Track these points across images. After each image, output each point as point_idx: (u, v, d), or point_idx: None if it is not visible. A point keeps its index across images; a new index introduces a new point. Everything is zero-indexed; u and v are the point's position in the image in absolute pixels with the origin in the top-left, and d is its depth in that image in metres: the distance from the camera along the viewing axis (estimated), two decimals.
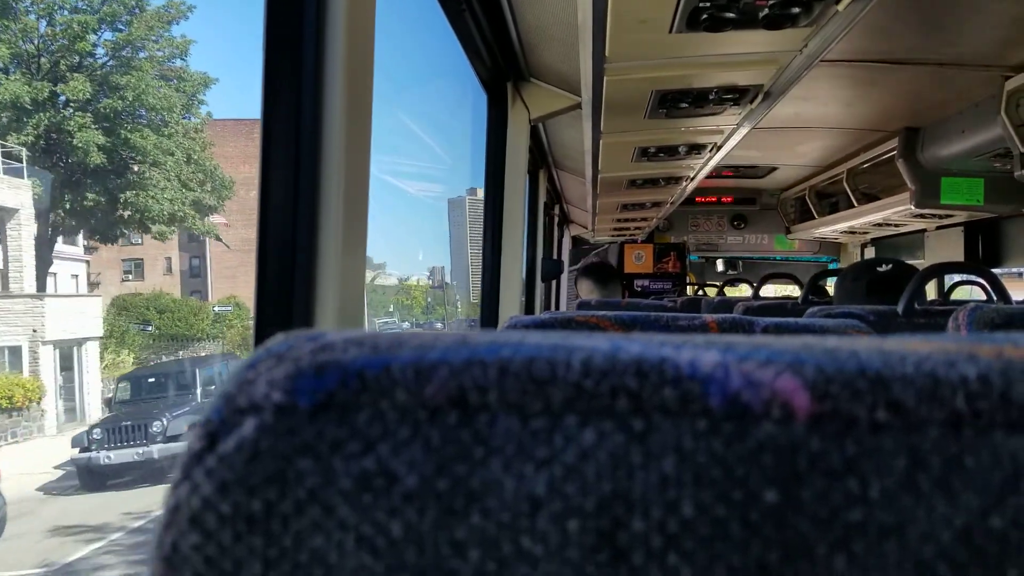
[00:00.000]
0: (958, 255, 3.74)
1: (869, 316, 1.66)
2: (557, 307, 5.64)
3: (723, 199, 5.61)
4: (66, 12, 20.43)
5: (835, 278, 2.69)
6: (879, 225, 4.19)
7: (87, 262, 24.43)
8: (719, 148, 2.73)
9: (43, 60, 20.11)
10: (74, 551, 10.14)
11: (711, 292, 5.39)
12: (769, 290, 5.67)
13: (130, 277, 28.08)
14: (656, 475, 0.23)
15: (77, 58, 20.22)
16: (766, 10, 1.42)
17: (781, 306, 2.48)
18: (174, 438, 13.28)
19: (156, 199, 20.56)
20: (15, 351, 16.12)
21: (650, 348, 0.25)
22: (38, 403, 15.83)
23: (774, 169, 4.52)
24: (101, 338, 19.13)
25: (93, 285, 24.67)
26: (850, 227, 4.43)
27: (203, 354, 21.15)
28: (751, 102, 2.07)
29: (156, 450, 13.16)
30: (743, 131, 2.43)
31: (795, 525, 0.23)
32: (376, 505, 0.24)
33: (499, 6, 1.95)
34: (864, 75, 2.46)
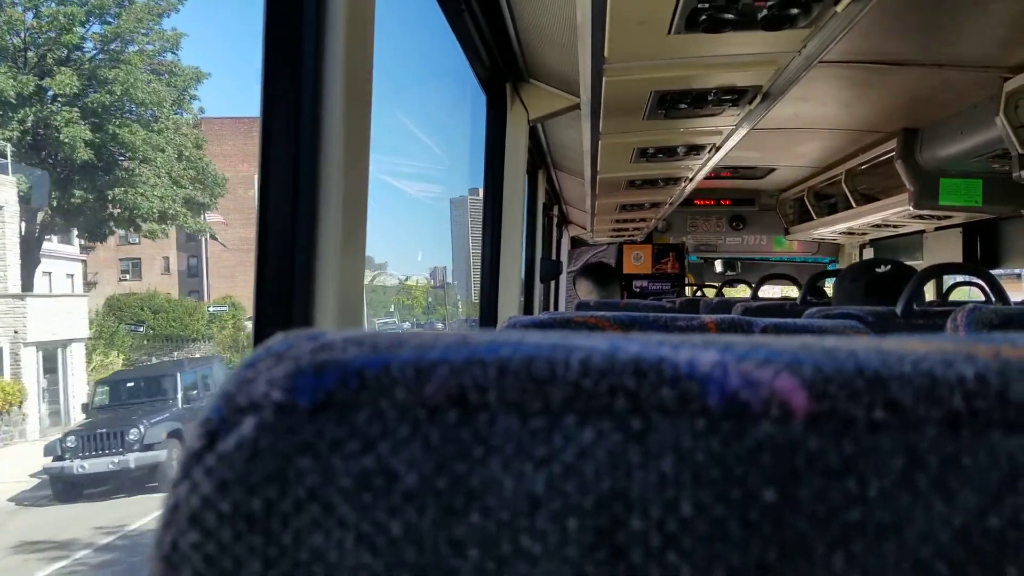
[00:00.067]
0: (956, 256, 3.74)
1: (868, 317, 1.66)
2: (556, 308, 5.64)
3: (722, 200, 5.60)
4: (53, 4, 19.96)
5: (834, 279, 2.69)
6: (878, 226, 4.19)
7: (83, 261, 24.31)
8: (718, 149, 2.73)
9: (30, 54, 19.64)
10: (36, 570, 9.47)
11: (710, 293, 5.39)
12: (768, 291, 5.69)
13: (127, 277, 28.03)
14: (655, 474, 0.23)
15: (64, 51, 19.76)
16: (765, 11, 1.43)
17: (780, 307, 2.49)
18: (150, 447, 12.67)
19: (146, 196, 20.12)
20: None
21: (648, 348, 0.25)
22: (19, 407, 15.35)
23: (773, 170, 4.52)
24: (88, 339, 18.72)
25: (90, 285, 24.58)
26: (849, 228, 4.43)
27: (190, 356, 20.52)
28: (750, 103, 2.07)
29: (132, 459, 12.48)
30: (742, 132, 2.43)
31: (793, 524, 0.23)
32: (376, 504, 0.24)
33: (498, 6, 1.95)
34: (863, 76, 2.46)
